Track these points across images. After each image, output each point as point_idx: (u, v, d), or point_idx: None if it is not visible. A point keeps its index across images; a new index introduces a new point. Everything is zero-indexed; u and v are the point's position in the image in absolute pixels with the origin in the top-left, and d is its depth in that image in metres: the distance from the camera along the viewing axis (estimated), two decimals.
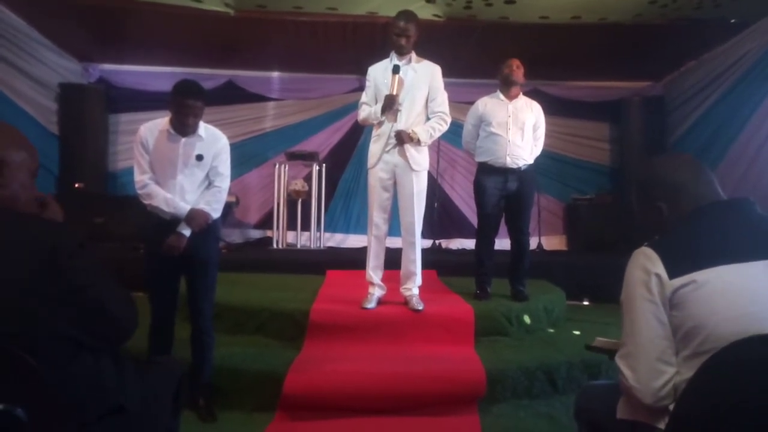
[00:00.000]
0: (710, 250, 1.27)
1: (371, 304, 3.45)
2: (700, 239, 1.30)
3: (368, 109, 3.46)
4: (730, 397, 1.06)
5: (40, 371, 1.14)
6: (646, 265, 1.30)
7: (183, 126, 2.58)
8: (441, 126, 3.43)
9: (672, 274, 1.25)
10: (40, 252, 1.20)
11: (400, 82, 3.31)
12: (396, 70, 3.30)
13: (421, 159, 3.41)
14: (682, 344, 1.26)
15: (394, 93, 3.30)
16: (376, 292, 3.51)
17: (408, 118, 3.36)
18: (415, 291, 3.47)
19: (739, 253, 1.25)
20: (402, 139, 3.33)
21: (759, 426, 1.04)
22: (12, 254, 1.19)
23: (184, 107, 2.55)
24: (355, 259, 3.79)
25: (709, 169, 1.43)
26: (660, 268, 1.27)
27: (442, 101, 3.43)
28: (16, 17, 5.27)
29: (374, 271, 3.49)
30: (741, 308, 1.21)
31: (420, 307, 3.38)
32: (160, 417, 1.55)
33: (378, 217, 3.44)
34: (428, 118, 3.46)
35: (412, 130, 3.34)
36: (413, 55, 3.43)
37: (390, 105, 3.31)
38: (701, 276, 1.23)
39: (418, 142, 3.36)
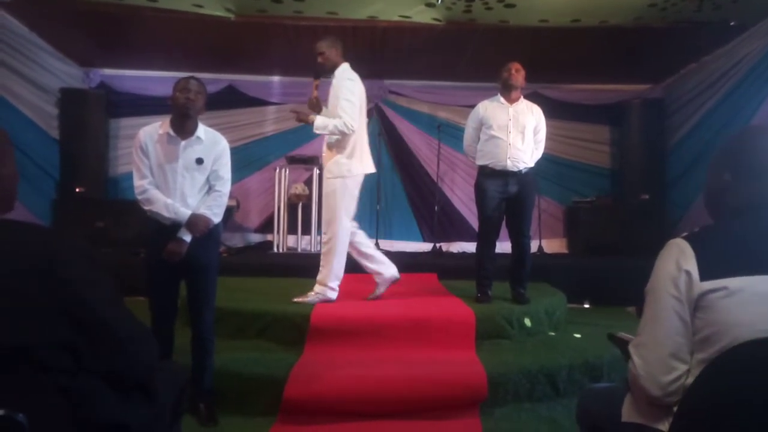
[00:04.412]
0: (747, 257, 1.22)
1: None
2: (739, 242, 1.26)
3: None
4: (734, 399, 1.06)
5: (44, 380, 1.13)
6: (678, 259, 1.25)
7: (183, 109, 2.57)
8: (336, 121, 3.57)
9: (704, 276, 1.21)
10: (38, 260, 1.17)
11: (315, 87, 3.79)
12: (316, 76, 3.78)
13: (330, 165, 3.65)
14: (700, 347, 1.23)
15: (312, 96, 3.78)
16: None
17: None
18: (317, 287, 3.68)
19: None
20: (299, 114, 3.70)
21: (762, 429, 1.03)
22: (9, 263, 1.16)
23: (187, 83, 2.60)
24: (356, 263, 3.79)
25: None
26: (692, 266, 1.23)
27: (340, 107, 3.58)
28: (17, 23, 5.29)
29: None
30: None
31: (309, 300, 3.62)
32: (162, 424, 1.54)
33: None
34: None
35: (312, 116, 3.66)
36: (339, 70, 3.69)
37: (310, 105, 3.82)
38: (734, 283, 1.19)
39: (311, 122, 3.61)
